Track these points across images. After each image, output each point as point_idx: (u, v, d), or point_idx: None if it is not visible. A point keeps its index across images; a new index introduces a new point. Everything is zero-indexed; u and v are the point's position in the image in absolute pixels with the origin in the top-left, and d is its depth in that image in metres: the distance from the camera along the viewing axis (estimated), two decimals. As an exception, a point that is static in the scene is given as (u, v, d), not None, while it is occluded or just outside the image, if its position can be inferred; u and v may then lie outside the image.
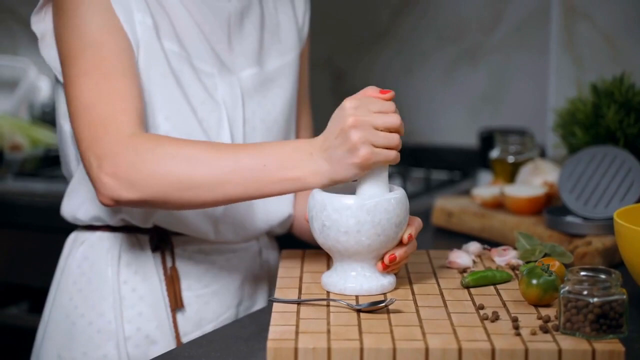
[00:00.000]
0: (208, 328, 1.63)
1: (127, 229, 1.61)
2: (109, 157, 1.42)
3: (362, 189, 1.41)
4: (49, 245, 2.32)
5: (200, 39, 1.59)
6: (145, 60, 1.53)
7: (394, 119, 1.37)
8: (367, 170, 1.38)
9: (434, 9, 2.66)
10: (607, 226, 1.77)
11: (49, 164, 2.67)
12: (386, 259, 1.41)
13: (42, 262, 2.37)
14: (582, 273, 1.28)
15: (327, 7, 2.73)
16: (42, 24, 1.57)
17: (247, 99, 1.63)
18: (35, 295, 2.42)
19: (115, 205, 1.45)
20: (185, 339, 1.61)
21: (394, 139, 1.37)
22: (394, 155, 1.37)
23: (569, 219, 1.81)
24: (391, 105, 1.39)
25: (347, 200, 1.39)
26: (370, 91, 1.40)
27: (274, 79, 1.67)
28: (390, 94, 1.39)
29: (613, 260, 1.74)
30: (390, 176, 2.40)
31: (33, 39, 1.59)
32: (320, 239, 1.42)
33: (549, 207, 1.89)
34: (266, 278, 1.73)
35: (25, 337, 2.22)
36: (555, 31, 2.46)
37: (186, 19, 1.58)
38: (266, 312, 1.48)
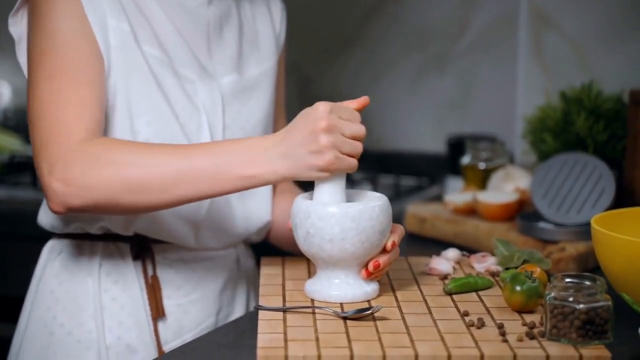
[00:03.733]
0: (188, 337, 1.62)
1: (107, 237, 1.60)
2: (59, 163, 1.41)
3: (318, 192, 1.42)
4: (14, 253, 2.30)
5: (181, 45, 1.58)
6: (124, 66, 1.52)
7: (361, 129, 1.40)
8: (327, 174, 1.39)
9: (401, 16, 2.68)
10: (580, 232, 1.80)
11: (13, 170, 2.64)
12: (370, 266, 1.42)
13: (7, 269, 2.34)
14: (568, 280, 1.30)
15: (294, 14, 2.71)
16: (18, 26, 1.55)
17: (227, 106, 1.62)
18: (1, 304, 2.39)
19: (66, 212, 1.44)
20: (165, 348, 1.60)
21: (358, 147, 1.40)
22: (355, 163, 1.40)
23: (542, 225, 1.83)
24: (358, 115, 1.42)
25: (331, 208, 1.39)
26: (347, 102, 1.42)
27: (253, 86, 1.67)
28: (365, 100, 1.43)
29: (586, 265, 1.76)
30: (360, 182, 2.44)
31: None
32: (304, 247, 1.42)
33: (522, 213, 1.91)
34: (244, 286, 1.73)
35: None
36: (523, 39, 2.49)
37: (166, 25, 1.57)
38: (246, 319, 1.48)
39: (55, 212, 1.44)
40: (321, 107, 1.38)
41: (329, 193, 1.42)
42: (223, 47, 1.64)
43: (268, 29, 1.72)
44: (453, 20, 2.63)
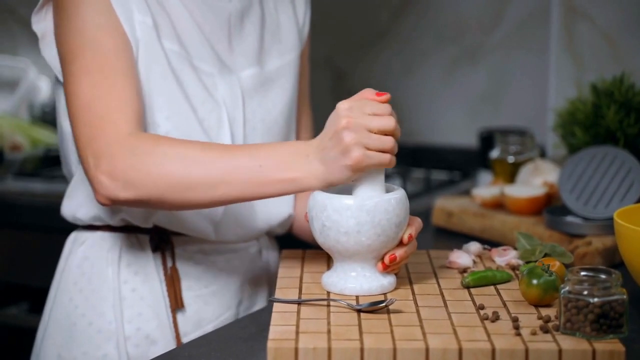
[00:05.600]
0: (208, 328, 1.63)
1: (127, 229, 1.61)
2: (106, 156, 1.43)
3: (357, 191, 1.41)
4: (49, 245, 2.32)
5: (200, 39, 1.59)
6: (145, 60, 1.53)
7: (389, 122, 1.36)
8: (360, 172, 1.37)
9: (434, 8, 2.67)
10: (607, 226, 1.77)
11: (49, 164, 2.67)
12: (386, 259, 1.41)
13: (42, 262, 2.37)
14: (583, 273, 1.28)
15: (327, 7, 2.73)
16: (42, 23, 1.57)
17: (247, 99, 1.63)
18: (35, 295, 2.42)
19: (112, 204, 1.45)
20: (185, 339, 1.61)
21: (388, 142, 1.36)
22: (387, 158, 1.37)
23: (569, 219, 1.81)
24: (387, 108, 1.37)
25: (347, 200, 1.39)
26: (367, 93, 1.39)
27: (275, 79, 1.67)
28: (386, 96, 1.38)
29: (613, 260, 1.74)
30: (390, 176, 2.43)
31: (33, 39, 1.60)
32: (320, 239, 1.42)
33: (549, 207, 1.89)
34: (266, 278, 1.74)
35: (25, 337, 2.22)
36: (555, 31, 2.47)
37: (186, 19, 1.58)
38: (266, 312, 1.48)
39: (101, 204, 1.46)
40: (341, 106, 1.36)
41: (365, 191, 1.40)
42: (244, 39, 1.64)
43: (291, 20, 1.72)
44: (486, 13, 2.61)
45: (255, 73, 1.64)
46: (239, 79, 1.62)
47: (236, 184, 1.41)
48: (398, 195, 1.41)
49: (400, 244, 1.42)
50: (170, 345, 1.60)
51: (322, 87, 2.73)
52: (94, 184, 1.45)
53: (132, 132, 1.44)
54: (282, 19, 1.70)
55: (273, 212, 1.66)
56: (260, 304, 1.71)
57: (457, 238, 1.94)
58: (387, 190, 1.44)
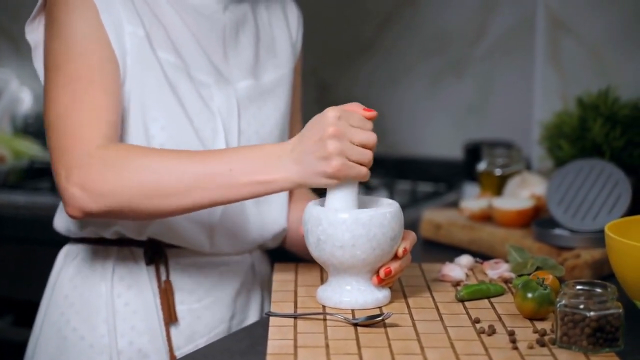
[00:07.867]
0: (201, 342, 1.63)
1: (121, 242, 1.61)
2: (77, 168, 1.43)
3: (329, 199, 1.43)
4: (33, 258, 2.31)
5: (196, 50, 1.59)
6: (139, 71, 1.53)
7: (371, 136, 1.39)
8: (336, 181, 1.39)
9: (418, 21, 2.68)
10: (596, 239, 1.79)
11: (33, 176, 2.66)
12: (381, 273, 1.42)
13: (26, 274, 2.36)
14: (578, 287, 1.30)
15: (312, 19, 2.73)
16: (35, 33, 1.57)
17: (242, 110, 1.63)
18: (20, 308, 2.41)
19: (84, 217, 1.46)
20: (177, 353, 1.61)
21: (367, 155, 1.39)
22: (364, 171, 1.40)
23: (558, 231, 1.82)
24: (370, 123, 1.41)
25: (343, 214, 1.39)
26: (354, 106, 1.41)
27: (269, 91, 1.67)
28: (373, 113, 1.41)
29: (602, 272, 1.76)
30: (376, 188, 2.43)
31: (15, 50, 1.59)
32: (315, 253, 1.43)
33: (538, 219, 1.90)
34: (259, 291, 1.73)
35: (11, 350, 2.21)
36: (540, 44, 2.48)
37: (182, 30, 1.58)
38: (260, 325, 1.48)
39: (72, 217, 1.46)
40: (330, 114, 1.38)
41: (340, 201, 1.42)
42: (239, 52, 1.65)
43: (285, 35, 1.73)
44: (470, 26, 2.63)
45: (250, 85, 1.65)
46: (235, 90, 1.63)
47: (208, 190, 1.42)
48: (393, 209, 1.42)
49: (395, 257, 1.43)
50: (163, 359, 1.60)
51: (307, 98, 2.72)
52: (65, 197, 1.45)
53: (102, 144, 1.45)
54: (276, 33, 1.71)
55: (268, 224, 1.67)
56: (252, 317, 1.71)
57: (445, 250, 1.95)
58: (382, 204, 1.45)
